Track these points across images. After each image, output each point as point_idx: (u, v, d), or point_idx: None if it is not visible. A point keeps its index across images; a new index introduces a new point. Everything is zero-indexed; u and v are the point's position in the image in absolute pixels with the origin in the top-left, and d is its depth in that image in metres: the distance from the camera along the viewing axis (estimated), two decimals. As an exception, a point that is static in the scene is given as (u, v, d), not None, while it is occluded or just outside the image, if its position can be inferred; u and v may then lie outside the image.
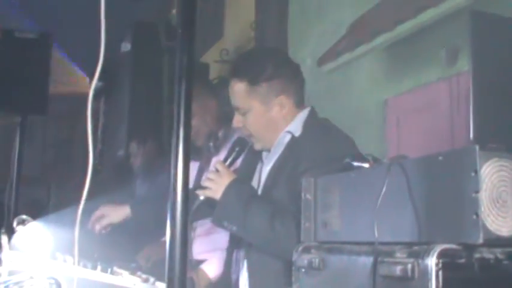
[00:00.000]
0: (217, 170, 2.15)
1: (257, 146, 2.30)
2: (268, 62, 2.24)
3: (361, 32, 3.74)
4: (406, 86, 3.96)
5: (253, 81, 2.18)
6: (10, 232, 1.75)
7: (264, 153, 2.32)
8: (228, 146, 2.87)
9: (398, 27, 3.38)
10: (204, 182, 2.17)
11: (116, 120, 5.26)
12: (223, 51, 5.92)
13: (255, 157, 2.37)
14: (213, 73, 5.43)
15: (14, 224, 1.84)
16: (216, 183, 2.12)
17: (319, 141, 2.14)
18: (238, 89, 2.22)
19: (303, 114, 2.24)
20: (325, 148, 2.09)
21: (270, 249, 2.04)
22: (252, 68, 2.21)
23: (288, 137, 2.20)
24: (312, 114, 2.27)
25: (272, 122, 2.21)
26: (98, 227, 2.43)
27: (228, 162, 2.22)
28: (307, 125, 2.20)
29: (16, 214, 3.75)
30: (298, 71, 2.30)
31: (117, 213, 2.48)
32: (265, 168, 2.27)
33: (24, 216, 1.85)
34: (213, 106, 3.01)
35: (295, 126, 2.21)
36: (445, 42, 3.49)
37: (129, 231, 2.76)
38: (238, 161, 2.63)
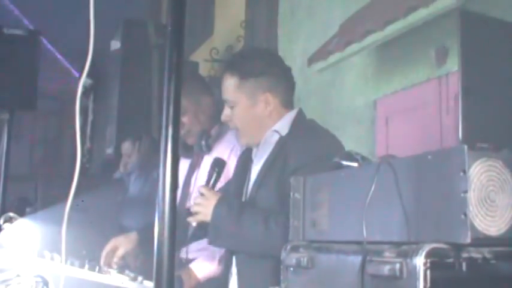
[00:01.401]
0: (202, 194, 2.19)
1: (242, 141, 2.37)
2: (260, 59, 2.32)
3: (352, 32, 3.75)
4: (395, 86, 3.98)
5: (242, 75, 2.25)
6: (-3, 229, 1.74)
7: (254, 152, 2.34)
8: (221, 144, 2.87)
9: (388, 27, 3.38)
10: (193, 208, 2.20)
11: (105, 118, 5.25)
12: (213, 50, 5.91)
13: (247, 157, 2.39)
14: (203, 72, 5.42)
15: (1, 221, 1.82)
16: (203, 206, 2.16)
17: (308, 140, 2.17)
18: (229, 82, 2.28)
19: (291, 114, 2.29)
20: (313, 147, 2.13)
21: (266, 251, 2.05)
22: (243, 63, 2.29)
23: (275, 136, 2.24)
24: (300, 115, 2.32)
25: (256, 117, 2.26)
26: (115, 259, 2.38)
27: (210, 185, 2.23)
28: (294, 125, 2.25)
29: (3, 212, 3.73)
30: (289, 74, 2.36)
31: (129, 241, 2.45)
32: (255, 168, 2.29)
33: (11, 214, 1.84)
34: (206, 103, 2.99)
35: (282, 126, 2.25)
36: (434, 42, 3.51)
37: (121, 229, 2.76)
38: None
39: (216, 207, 2.13)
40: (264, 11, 5.38)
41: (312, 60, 4.29)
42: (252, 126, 2.27)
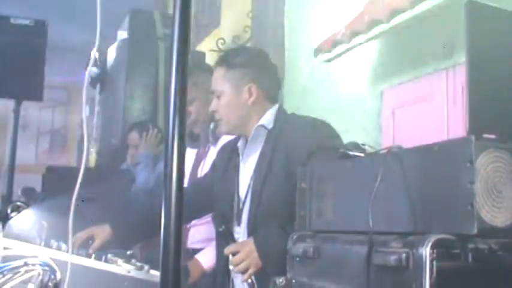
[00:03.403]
0: (234, 254, 2.12)
1: (222, 129, 2.40)
2: (247, 53, 2.48)
3: (358, 23, 3.73)
4: (402, 78, 3.97)
5: (229, 66, 2.35)
6: (4, 219, 1.75)
7: (240, 148, 2.36)
8: (225, 137, 2.87)
9: (395, 17, 3.37)
10: (237, 269, 2.12)
11: (112, 108, 5.26)
12: (220, 40, 5.91)
13: (232, 152, 2.41)
14: (209, 62, 5.41)
15: (9, 210, 1.83)
16: (247, 256, 2.10)
17: (305, 129, 2.23)
18: (218, 73, 2.38)
19: (273, 109, 2.36)
20: (313, 135, 2.17)
21: None
22: (230, 56, 2.41)
23: (263, 131, 2.29)
24: (281, 109, 2.40)
25: (240, 106, 2.33)
26: (91, 250, 2.33)
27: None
28: (278, 118, 2.32)
29: (10, 202, 3.75)
30: (275, 71, 2.47)
31: (105, 232, 2.40)
32: (247, 164, 2.32)
33: (18, 203, 1.85)
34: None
35: (267, 120, 2.32)
36: (442, 34, 3.49)
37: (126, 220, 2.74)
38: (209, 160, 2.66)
39: (258, 244, 2.09)
40: (270, 1, 5.36)
41: (318, 50, 4.28)
42: (235, 114, 2.33)
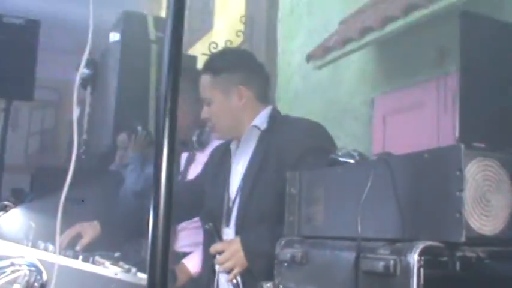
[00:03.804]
0: (219, 253, 2.10)
1: (217, 135, 2.43)
2: (230, 56, 2.44)
3: (351, 30, 3.74)
4: (394, 85, 3.98)
5: (215, 72, 2.31)
6: (-8, 217, 1.74)
7: (232, 149, 2.35)
8: (215, 142, 2.86)
9: (387, 25, 3.39)
10: (222, 268, 2.10)
11: (102, 110, 5.24)
12: (212, 44, 5.90)
13: (224, 154, 2.40)
14: (201, 66, 5.40)
15: (-4, 210, 1.82)
16: (232, 255, 2.08)
17: (298, 132, 2.21)
18: (204, 80, 2.34)
19: (267, 110, 2.34)
20: (306, 138, 2.16)
21: None
22: (215, 61, 2.37)
23: (256, 132, 2.28)
24: (275, 110, 2.38)
25: (231, 111, 2.31)
26: (78, 247, 2.30)
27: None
28: (272, 119, 2.30)
29: (-1, 201, 3.74)
30: (262, 69, 2.42)
31: (94, 230, 2.37)
32: (238, 165, 2.30)
33: (6, 203, 1.83)
34: (199, 99, 2.98)
35: (261, 121, 2.29)
36: (435, 42, 3.51)
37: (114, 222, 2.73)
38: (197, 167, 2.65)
39: (244, 243, 2.07)
40: (264, 6, 5.37)
41: (310, 56, 4.29)
42: (227, 119, 2.31)
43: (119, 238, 2.47)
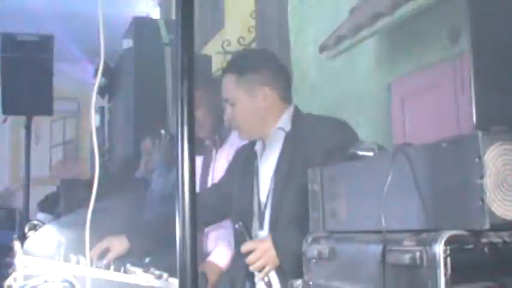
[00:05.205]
0: (250, 252, 2.11)
1: (243, 136, 2.39)
2: (256, 56, 2.44)
3: (362, 17, 3.73)
4: (409, 69, 3.96)
5: (240, 72, 2.30)
6: (23, 238, 1.77)
7: (258, 151, 2.35)
8: (232, 138, 2.88)
9: (398, 10, 3.37)
10: (253, 267, 2.11)
11: (122, 117, 5.29)
12: (225, 42, 5.92)
13: (249, 155, 2.40)
14: (216, 64, 5.43)
15: (26, 229, 1.86)
16: (264, 254, 2.09)
17: (323, 130, 2.21)
18: (229, 80, 2.34)
19: (290, 111, 2.33)
20: (331, 135, 2.16)
21: None
22: (240, 61, 2.36)
23: (281, 133, 2.27)
24: (297, 110, 2.36)
25: (257, 111, 2.30)
26: (105, 261, 2.32)
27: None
28: (295, 120, 2.29)
29: (27, 217, 3.79)
30: (285, 70, 2.44)
31: (121, 244, 2.40)
32: (265, 166, 2.31)
33: (35, 222, 1.87)
34: (219, 98, 3.01)
35: (284, 122, 2.29)
36: (447, 23, 3.49)
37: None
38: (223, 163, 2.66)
39: (275, 242, 2.09)
40: (273, 0, 5.37)
41: (323, 47, 4.29)
42: (252, 120, 2.30)
43: (147, 250, 2.49)
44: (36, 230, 1.87)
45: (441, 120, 3.71)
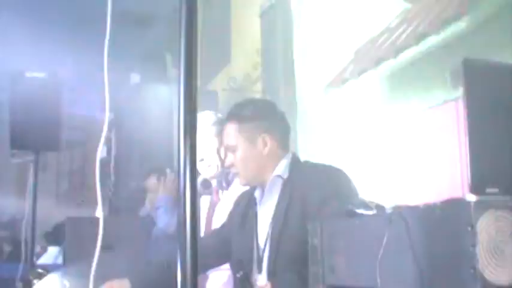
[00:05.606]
0: None
1: (241, 182, 2.45)
2: (255, 105, 2.50)
3: (365, 60, 3.79)
4: (412, 109, 4.00)
5: (241, 120, 2.38)
6: (28, 287, 1.80)
7: (257, 197, 2.40)
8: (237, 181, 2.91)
9: (401, 54, 3.42)
10: None
11: (128, 151, 5.33)
12: (231, 79, 5.98)
13: (249, 202, 2.46)
14: (221, 101, 5.49)
15: (31, 277, 1.88)
16: None
17: (319, 178, 2.26)
18: (230, 129, 2.41)
19: (287, 158, 2.40)
20: (327, 183, 2.21)
21: None
22: (240, 110, 2.44)
23: (279, 180, 2.34)
24: (295, 157, 2.43)
25: (256, 158, 2.37)
26: None
27: None
28: (292, 167, 2.36)
29: (33, 248, 3.81)
30: (283, 118, 2.50)
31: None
32: (263, 212, 2.37)
33: (40, 270, 1.90)
34: None
35: (283, 170, 2.35)
36: (449, 65, 3.53)
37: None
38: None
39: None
40: (279, 38, 5.44)
41: (328, 87, 4.34)
42: (252, 166, 2.37)
43: None
44: (41, 278, 1.90)
45: (444, 161, 3.73)
